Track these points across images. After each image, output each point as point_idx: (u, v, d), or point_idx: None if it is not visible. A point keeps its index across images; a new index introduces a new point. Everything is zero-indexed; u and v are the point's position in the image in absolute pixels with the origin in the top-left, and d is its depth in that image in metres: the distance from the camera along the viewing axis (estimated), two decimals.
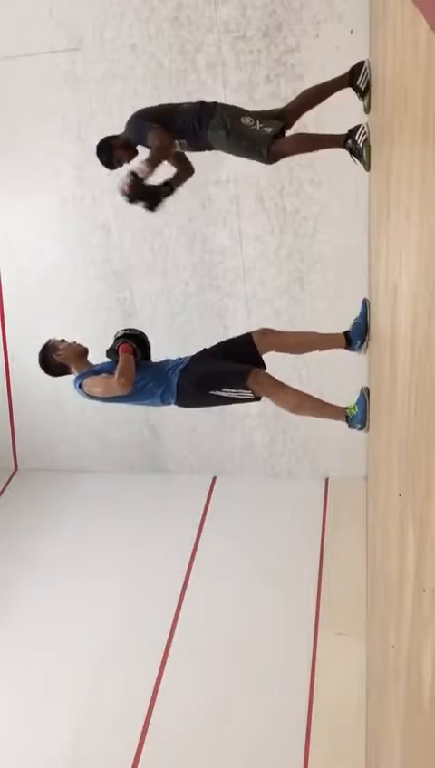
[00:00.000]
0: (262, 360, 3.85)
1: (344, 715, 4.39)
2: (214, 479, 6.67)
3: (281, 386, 3.65)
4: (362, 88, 3.90)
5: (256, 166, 5.58)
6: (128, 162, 4.10)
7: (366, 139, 3.73)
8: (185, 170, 4.21)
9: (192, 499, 6.42)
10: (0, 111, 5.96)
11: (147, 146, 3.93)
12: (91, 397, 3.81)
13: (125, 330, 3.96)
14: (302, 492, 6.29)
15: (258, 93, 5.43)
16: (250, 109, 4.00)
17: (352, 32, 5.07)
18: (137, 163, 3.91)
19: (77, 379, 3.83)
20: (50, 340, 4.01)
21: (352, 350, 3.88)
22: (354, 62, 3.97)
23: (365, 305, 3.93)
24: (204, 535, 6.02)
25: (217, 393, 3.65)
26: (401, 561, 1.89)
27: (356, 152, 3.77)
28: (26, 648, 5.23)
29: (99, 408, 6.81)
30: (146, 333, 4.00)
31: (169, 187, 4.13)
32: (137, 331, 3.98)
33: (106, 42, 5.54)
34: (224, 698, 4.69)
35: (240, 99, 5.46)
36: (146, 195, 3.97)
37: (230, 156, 4.05)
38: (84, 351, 3.94)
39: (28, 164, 6.07)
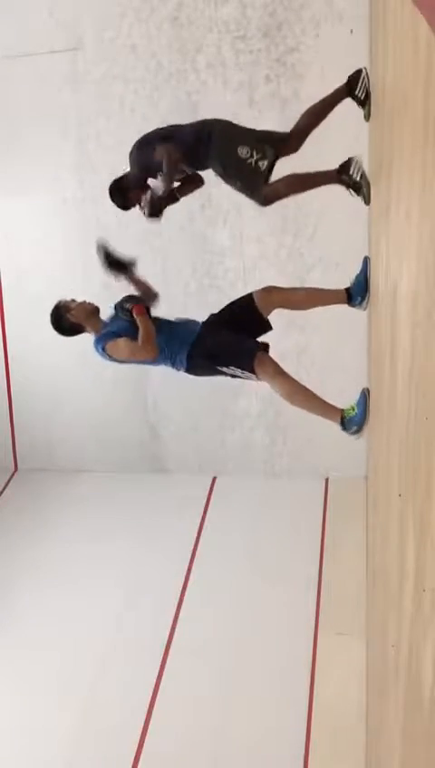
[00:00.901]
0: (267, 321, 3.88)
1: (344, 715, 4.38)
2: (214, 479, 6.67)
3: (281, 372, 3.66)
4: (362, 97, 3.86)
5: None
6: (141, 203, 4.07)
7: (362, 174, 3.68)
8: (194, 182, 4.18)
9: (192, 499, 6.41)
10: (0, 111, 5.96)
11: (155, 171, 3.89)
12: (112, 358, 3.83)
13: (128, 296, 3.95)
14: (302, 492, 6.28)
15: (258, 93, 5.44)
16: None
17: (352, 32, 5.08)
18: (153, 182, 3.93)
19: (98, 341, 3.81)
20: (60, 301, 3.99)
21: (353, 305, 3.91)
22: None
23: (366, 262, 3.97)
24: (204, 535, 6.02)
25: (224, 369, 3.73)
26: (401, 561, 1.89)
27: (354, 186, 3.71)
28: (26, 648, 5.23)
29: (99, 407, 6.84)
30: None
31: (174, 197, 4.13)
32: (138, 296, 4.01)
33: (106, 42, 5.54)
34: (224, 698, 4.69)
35: (240, 99, 5.48)
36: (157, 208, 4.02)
37: None
38: (96, 309, 3.93)
39: (28, 164, 6.07)
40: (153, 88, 5.58)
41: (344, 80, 3.89)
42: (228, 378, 3.81)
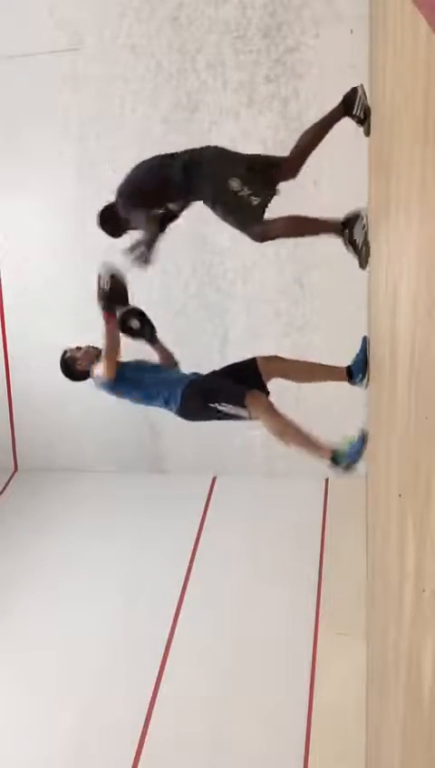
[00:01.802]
0: (266, 386, 3.93)
1: (344, 715, 4.38)
2: (214, 479, 6.67)
3: (273, 410, 3.73)
4: (361, 116, 3.73)
5: None
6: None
7: (366, 234, 3.53)
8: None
9: (192, 499, 6.41)
10: (0, 111, 5.96)
11: (143, 203, 3.81)
12: (104, 385, 3.97)
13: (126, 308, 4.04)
14: (302, 492, 6.28)
15: (258, 93, 5.44)
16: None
17: (352, 32, 5.08)
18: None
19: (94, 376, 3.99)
20: (66, 352, 4.18)
21: (354, 383, 3.97)
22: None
23: (365, 342, 4.01)
24: (204, 535, 6.02)
25: (216, 406, 3.77)
26: (401, 561, 1.89)
27: (353, 246, 3.58)
28: (26, 648, 5.23)
29: (99, 407, 6.82)
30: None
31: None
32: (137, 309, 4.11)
33: (106, 42, 5.54)
34: (224, 698, 4.69)
35: (240, 99, 5.48)
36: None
37: None
38: (100, 354, 4.03)
39: (28, 164, 6.07)
40: (153, 88, 5.59)
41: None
42: (223, 411, 3.80)
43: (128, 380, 3.98)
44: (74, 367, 4.14)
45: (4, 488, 6.94)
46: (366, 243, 3.54)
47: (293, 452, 6.88)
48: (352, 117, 3.74)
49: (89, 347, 4.12)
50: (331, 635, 4.95)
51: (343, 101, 3.75)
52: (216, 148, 3.83)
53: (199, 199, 3.79)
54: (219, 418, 3.86)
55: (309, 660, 4.82)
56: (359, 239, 3.55)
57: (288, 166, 3.83)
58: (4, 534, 6.24)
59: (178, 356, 4.17)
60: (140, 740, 4.50)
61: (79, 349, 4.15)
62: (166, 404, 3.93)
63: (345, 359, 4.11)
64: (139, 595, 5.50)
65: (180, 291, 6.17)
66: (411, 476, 1.67)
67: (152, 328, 4.19)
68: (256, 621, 5.18)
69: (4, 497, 6.84)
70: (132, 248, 3.82)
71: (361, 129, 3.84)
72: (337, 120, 3.79)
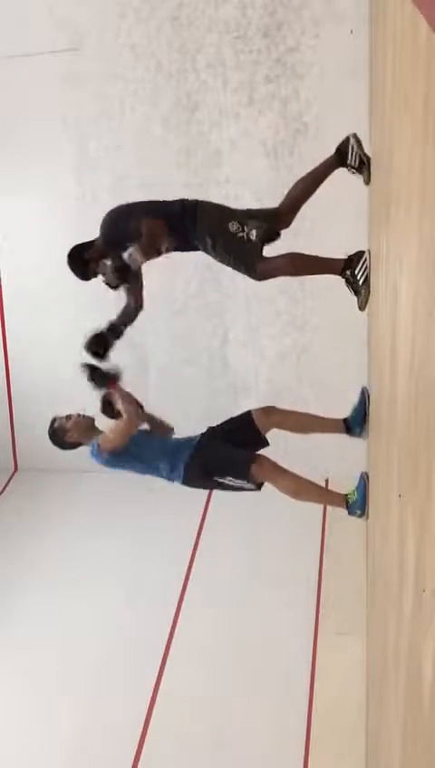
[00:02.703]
0: (264, 438, 3.98)
1: (344, 715, 4.38)
2: None
3: (281, 472, 3.77)
4: (356, 165, 3.61)
5: (256, 166, 5.62)
6: (103, 273, 3.85)
7: (367, 277, 3.47)
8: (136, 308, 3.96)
9: (192, 499, 6.41)
10: (0, 111, 5.96)
11: (128, 242, 3.63)
12: (107, 461, 3.93)
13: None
14: None
15: (258, 93, 5.43)
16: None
17: (352, 32, 5.07)
18: (128, 254, 3.65)
19: (91, 452, 3.94)
20: (55, 421, 4.08)
21: (353, 435, 4.00)
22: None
23: (363, 394, 3.99)
24: (204, 535, 6.01)
25: (221, 480, 3.80)
26: (401, 562, 1.89)
27: (354, 288, 3.52)
28: (26, 648, 5.23)
29: (99, 407, 6.82)
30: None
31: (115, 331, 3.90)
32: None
33: (106, 42, 5.54)
34: (224, 698, 4.69)
35: (240, 99, 5.47)
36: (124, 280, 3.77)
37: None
38: (92, 422, 4.03)
39: (28, 164, 6.07)
40: (153, 88, 5.58)
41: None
42: (227, 483, 3.83)
43: (129, 453, 3.90)
44: (64, 438, 4.03)
45: (4, 488, 6.94)
46: (367, 284, 3.46)
47: (293, 451, 6.89)
48: (348, 167, 3.62)
49: (79, 416, 4.01)
50: (331, 635, 4.95)
51: (337, 151, 3.63)
52: (210, 202, 3.79)
53: (194, 243, 3.67)
54: (223, 489, 3.90)
55: (309, 660, 4.82)
56: (361, 281, 3.47)
57: (280, 218, 3.74)
58: (3, 534, 6.23)
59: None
60: (140, 740, 4.50)
61: (69, 418, 4.01)
62: (169, 474, 3.91)
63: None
64: (139, 595, 5.50)
65: (180, 291, 6.17)
66: (411, 476, 1.67)
67: (116, 374, 3.99)
68: (255, 621, 5.18)
69: (4, 497, 6.84)
70: (111, 271, 3.73)
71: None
72: (331, 170, 3.67)
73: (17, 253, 6.42)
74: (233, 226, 3.54)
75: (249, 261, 3.56)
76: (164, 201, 3.76)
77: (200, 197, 5.84)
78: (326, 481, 6.42)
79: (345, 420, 3.97)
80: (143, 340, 6.02)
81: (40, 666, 5.05)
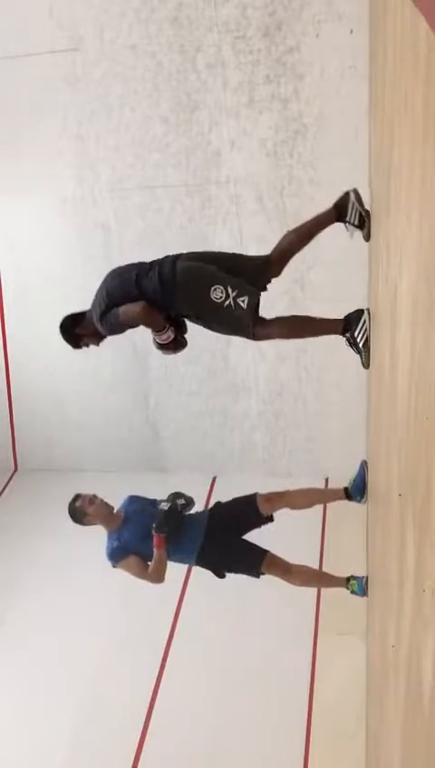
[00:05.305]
0: (269, 517, 4.23)
1: (344, 715, 4.39)
2: (214, 479, 6.66)
3: (288, 568, 4.09)
4: (356, 222, 3.41)
5: (256, 166, 5.62)
6: (97, 344, 3.79)
7: (367, 339, 3.33)
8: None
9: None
10: (0, 111, 5.96)
11: (123, 330, 3.56)
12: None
13: (173, 500, 4.13)
14: None
15: (258, 93, 5.43)
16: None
17: (352, 32, 5.07)
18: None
19: (111, 555, 4.17)
20: (78, 499, 4.24)
21: (353, 501, 4.24)
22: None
23: (363, 467, 4.19)
24: None
25: (232, 573, 4.07)
26: (401, 561, 1.89)
27: (355, 348, 3.42)
28: (26, 648, 5.23)
29: (99, 407, 6.83)
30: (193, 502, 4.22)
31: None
32: (183, 500, 4.14)
33: (106, 42, 5.53)
34: (224, 698, 4.69)
35: (240, 99, 5.47)
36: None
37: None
38: (111, 512, 4.18)
39: (28, 164, 6.06)
40: (153, 88, 5.58)
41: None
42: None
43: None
44: (82, 519, 4.18)
45: (4, 488, 6.94)
46: (368, 347, 3.35)
47: (293, 451, 6.88)
48: (346, 223, 3.45)
49: (101, 503, 4.14)
50: (331, 635, 4.95)
51: (336, 207, 3.44)
52: (187, 254, 3.54)
53: (179, 312, 3.52)
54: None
55: (309, 660, 4.82)
56: (361, 342, 3.37)
57: (271, 268, 3.60)
58: (4, 534, 6.24)
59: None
60: (140, 740, 4.50)
61: (92, 503, 4.13)
62: (176, 558, 4.09)
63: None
64: (138, 595, 5.49)
65: None
66: (411, 476, 1.67)
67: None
68: (256, 621, 5.18)
69: (4, 497, 6.84)
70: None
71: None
72: (327, 225, 3.51)
73: (17, 253, 6.42)
74: (216, 293, 3.32)
75: (244, 327, 3.40)
76: (142, 267, 3.54)
77: (200, 197, 5.86)
78: (326, 480, 6.43)
79: (346, 489, 4.21)
80: (144, 339, 6.01)
81: (40, 665, 5.05)
